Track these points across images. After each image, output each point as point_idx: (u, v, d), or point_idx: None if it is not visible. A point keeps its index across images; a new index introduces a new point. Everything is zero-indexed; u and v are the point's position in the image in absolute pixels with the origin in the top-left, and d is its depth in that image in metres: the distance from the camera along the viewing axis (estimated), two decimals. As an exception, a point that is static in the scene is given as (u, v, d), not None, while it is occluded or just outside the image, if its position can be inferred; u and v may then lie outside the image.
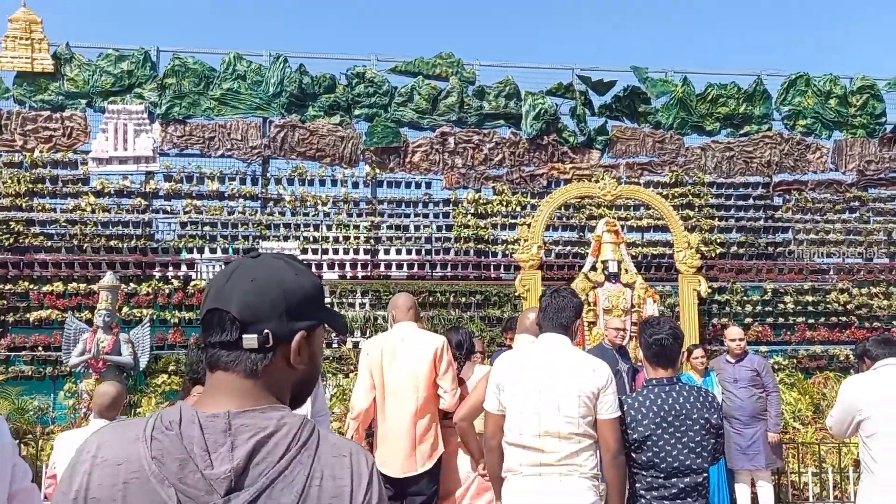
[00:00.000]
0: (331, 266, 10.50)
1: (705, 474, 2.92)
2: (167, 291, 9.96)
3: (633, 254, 11.19)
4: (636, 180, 11.43)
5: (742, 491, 6.76)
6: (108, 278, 8.81)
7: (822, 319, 10.86)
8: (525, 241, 9.50)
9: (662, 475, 2.88)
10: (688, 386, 3.02)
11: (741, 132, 11.73)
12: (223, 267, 10.32)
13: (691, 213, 11.42)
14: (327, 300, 9.94)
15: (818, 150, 11.85)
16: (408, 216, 11.08)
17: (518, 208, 11.18)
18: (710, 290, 10.01)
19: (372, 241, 10.83)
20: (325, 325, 1.32)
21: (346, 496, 1.12)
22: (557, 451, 2.82)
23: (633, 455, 2.95)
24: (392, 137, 10.98)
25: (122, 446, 1.10)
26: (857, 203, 11.85)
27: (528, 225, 9.75)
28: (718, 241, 11.38)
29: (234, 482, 1.06)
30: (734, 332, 6.87)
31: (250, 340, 1.17)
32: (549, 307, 3.11)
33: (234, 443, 1.09)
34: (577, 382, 2.86)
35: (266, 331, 1.17)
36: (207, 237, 10.43)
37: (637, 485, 2.96)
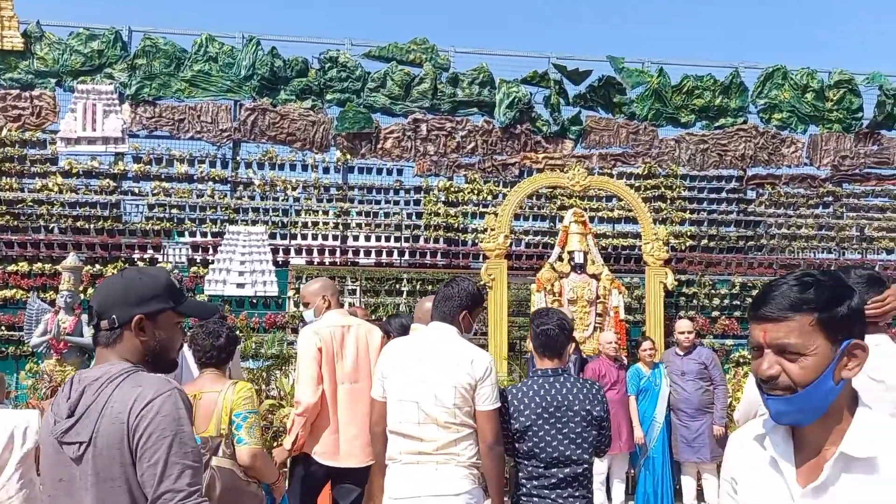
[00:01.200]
0: (298, 251, 10.48)
1: (586, 465, 2.92)
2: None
3: (604, 245, 11.19)
4: (609, 171, 11.40)
5: (688, 483, 6.79)
6: (71, 259, 8.79)
7: (790, 314, 10.83)
8: (492, 229, 9.49)
9: (543, 465, 2.88)
10: (573, 377, 3.02)
11: (716, 125, 11.68)
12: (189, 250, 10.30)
13: (663, 206, 11.40)
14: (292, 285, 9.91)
15: (793, 144, 11.80)
16: (378, 203, 11.05)
17: (489, 197, 11.14)
18: (676, 283, 9.99)
19: (341, 227, 10.81)
20: (176, 311, 1.89)
21: (125, 412, 1.67)
22: (435, 439, 2.81)
23: (516, 445, 2.95)
24: (364, 123, 10.93)
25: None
26: (830, 198, 11.83)
27: (496, 214, 9.73)
28: (689, 233, 11.36)
29: (72, 410, 1.72)
30: (683, 324, 6.86)
31: (104, 323, 1.80)
32: (438, 296, 3.10)
33: (74, 388, 1.75)
34: (455, 373, 2.85)
35: (112, 316, 1.80)
36: (175, 220, 10.40)
37: (520, 474, 2.96)
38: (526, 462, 2.92)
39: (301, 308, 4.53)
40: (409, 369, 2.91)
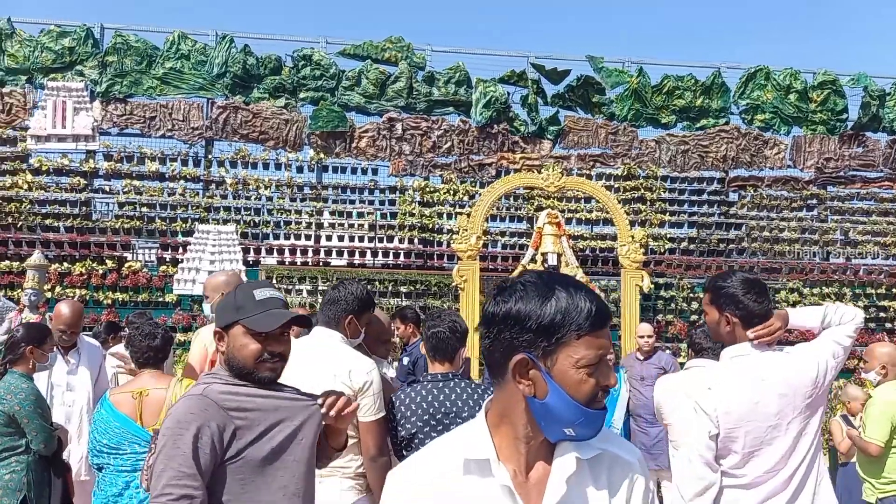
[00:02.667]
0: (269, 251, 10.36)
1: None
2: (101, 272, 9.83)
3: (581, 247, 11.03)
4: (588, 172, 11.24)
5: (648, 490, 6.60)
6: (36, 257, 8.69)
7: (770, 318, 10.63)
8: (464, 230, 9.33)
9: None
10: (464, 383, 2.86)
11: (697, 125, 11.50)
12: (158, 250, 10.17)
13: (642, 207, 11.22)
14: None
15: (776, 145, 11.61)
16: (352, 202, 10.92)
17: (466, 197, 10.99)
18: (651, 286, 9.81)
19: (314, 226, 10.67)
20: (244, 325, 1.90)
21: None
22: None
23: (403, 453, 2.79)
24: (338, 122, 10.79)
25: None
26: (814, 201, 11.63)
27: (468, 214, 9.57)
28: (668, 236, 11.18)
29: None
30: (643, 328, 6.68)
31: None
32: (323, 300, 2.95)
33: None
34: (332, 384, 2.69)
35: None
36: (146, 218, 10.28)
37: None
38: (413, 471, 2.76)
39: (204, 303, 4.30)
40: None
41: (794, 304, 10.71)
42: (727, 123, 11.53)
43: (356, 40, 11.18)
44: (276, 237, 10.54)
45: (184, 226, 10.29)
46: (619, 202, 10.98)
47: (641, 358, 6.61)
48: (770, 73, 11.59)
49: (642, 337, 6.60)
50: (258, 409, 1.91)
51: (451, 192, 11.01)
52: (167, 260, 10.02)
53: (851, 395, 5.46)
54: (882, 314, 10.85)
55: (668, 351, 7.34)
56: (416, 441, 2.74)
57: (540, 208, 11.05)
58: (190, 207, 10.43)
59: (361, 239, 10.73)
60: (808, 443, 2.31)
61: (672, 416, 3.01)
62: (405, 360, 6.28)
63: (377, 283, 10.25)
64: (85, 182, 10.36)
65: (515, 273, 9.34)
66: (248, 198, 10.62)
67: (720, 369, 2.47)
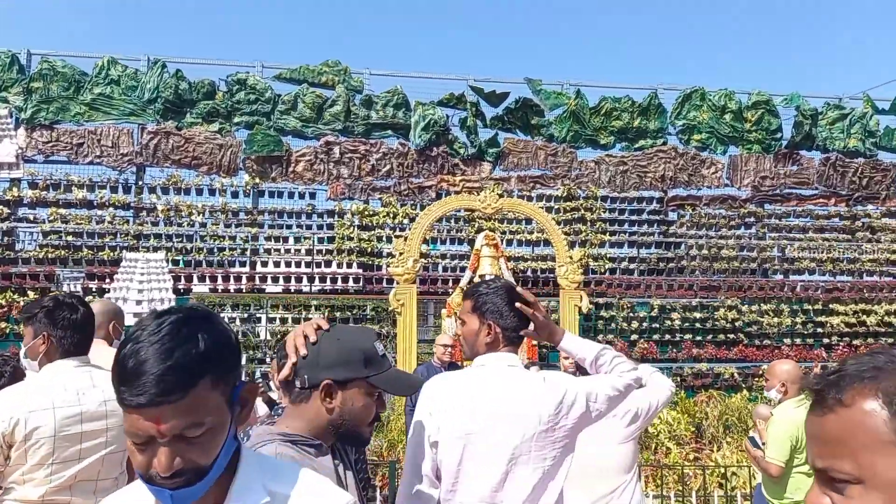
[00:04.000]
0: (202, 279, 10.08)
1: None
2: (22, 304, 9.44)
3: (522, 268, 10.97)
4: (528, 193, 11.23)
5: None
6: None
7: (710, 337, 10.67)
8: (400, 253, 9.21)
9: None
10: None
11: (636, 146, 11.59)
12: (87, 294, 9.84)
13: (583, 228, 11.22)
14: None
15: (713, 164, 11.75)
16: (289, 227, 10.73)
17: (406, 220, 10.87)
18: (591, 306, 9.77)
19: (249, 252, 10.45)
20: (371, 383, 1.63)
21: None
22: None
23: None
24: (273, 146, 10.64)
25: None
26: (752, 219, 11.76)
27: (405, 238, 9.45)
28: (609, 256, 11.18)
29: None
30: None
31: (297, 381, 1.61)
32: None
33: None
34: None
35: (304, 375, 1.60)
36: (72, 247, 9.96)
37: None
38: None
39: None
40: None
41: (732, 322, 10.76)
42: (665, 144, 11.65)
43: (292, 64, 11.10)
44: (210, 264, 10.28)
45: (112, 254, 9.99)
46: (560, 223, 11.00)
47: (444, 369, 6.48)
48: (705, 93, 11.76)
49: (567, 358, 6.49)
50: None
51: (391, 215, 10.89)
52: (93, 290, 9.68)
53: (760, 415, 5.40)
54: (819, 329, 10.94)
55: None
56: None
57: (481, 230, 11.00)
58: (119, 235, 10.14)
59: (298, 264, 10.52)
60: (538, 479, 1.95)
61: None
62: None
63: (313, 308, 10.04)
64: (8, 211, 10.01)
65: (452, 296, 9.24)
66: (180, 224, 10.37)
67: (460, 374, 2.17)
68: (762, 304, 10.95)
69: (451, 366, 6.67)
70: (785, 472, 4.13)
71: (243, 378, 3.03)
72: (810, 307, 11.04)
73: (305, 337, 1.61)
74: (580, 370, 5.84)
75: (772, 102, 11.88)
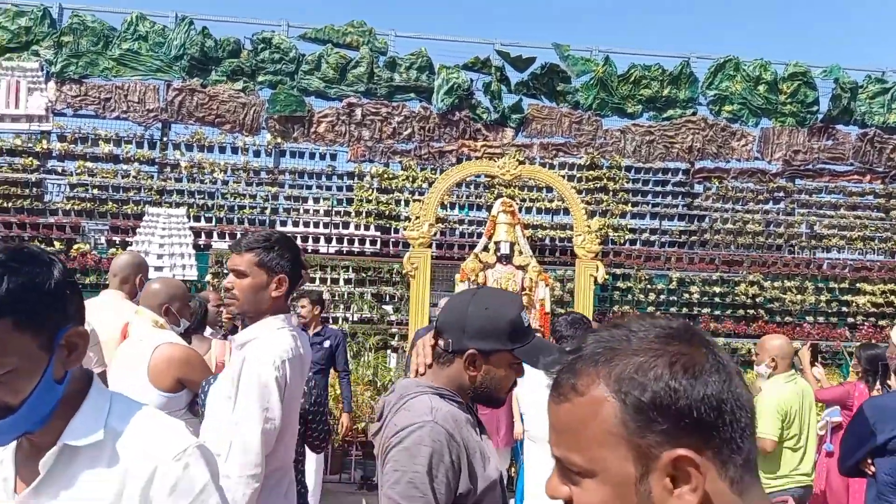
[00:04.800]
0: (221, 235, 10.23)
1: (299, 458, 2.68)
2: (50, 254, 9.73)
3: (541, 236, 10.90)
4: (550, 161, 11.08)
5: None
6: (-20, 237, 8.62)
7: (729, 312, 10.48)
8: (416, 217, 9.21)
9: None
10: None
11: (664, 116, 11.31)
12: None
13: (605, 198, 11.06)
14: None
15: (744, 137, 11.41)
16: (309, 188, 10.79)
17: (425, 185, 10.83)
18: (606, 277, 9.67)
19: (269, 211, 10.56)
20: (513, 354, 1.66)
21: (387, 437, 1.61)
22: None
23: None
24: (296, 106, 10.66)
25: None
26: (781, 194, 11.43)
27: (422, 201, 9.45)
28: (630, 227, 11.01)
29: (380, 415, 1.72)
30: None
31: (441, 341, 1.69)
32: None
33: (391, 394, 1.74)
34: None
35: (449, 339, 1.66)
36: (97, 200, 10.19)
37: None
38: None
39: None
40: None
41: (753, 298, 10.56)
42: (694, 114, 11.34)
43: (318, 24, 11.06)
44: (230, 221, 10.43)
45: (136, 209, 10.20)
46: (582, 192, 10.86)
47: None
48: (740, 63, 11.38)
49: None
50: (468, 443, 1.62)
51: (411, 179, 10.87)
52: (117, 243, 9.92)
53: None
54: (844, 308, 10.66)
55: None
56: None
57: (500, 196, 10.92)
58: (143, 190, 10.34)
59: (317, 225, 10.60)
60: None
61: None
62: (326, 344, 6.14)
63: (329, 269, 10.14)
64: (38, 163, 10.27)
65: (466, 262, 9.21)
66: (202, 181, 10.52)
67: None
68: (786, 281, 10.69)
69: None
70: (777, 448, 4.07)
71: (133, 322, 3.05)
72: (836, 286, 10.75)
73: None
74: None
75: (809, 74, 11.44)
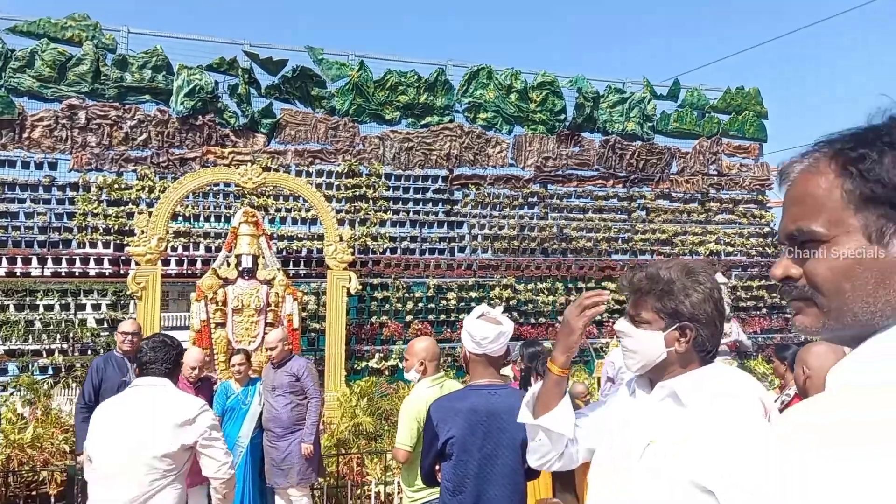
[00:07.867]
0: None
1: None
2: None
3: (297, 247, 10.38)
4: (306, 168, 10.63)
5: (285, 511, 5.99)
6: None
7: (486, 316, 10.61)
8: (142, 232, 8.31)
9: None
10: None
11: (422, 123, 11.30)
12: None
13: (364, 206, 10.79)
14: None
15: (498, 144, 11.71)
16: (22, 201, 9.43)
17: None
18: (360, 287, 9.36)
19: (-32, 230, 9.08)
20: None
21: None
22: None
23: None
24: (4, 108, 9.27)
25: None
26: (534, 199, 11.86)
27: (149, 213, 8.55)
28: (389, 235, 10.84)
29: None
30: (271, 335, 6.06)
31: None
32: None
33: None
34: None
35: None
36: None
37: None
38: None
39: None
40: None
41: (508, 301, 10.80)
42: (451, 121, 11.44)
43: (30, 17, 9.72)
44: (-84, 243, 8.81)
45: None
46: (341, 200, 10.51)
47: (274, 365, 6.00)
48: (492, 72, 11.68)
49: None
50: None
51: (147, 189, 9.88)
52: None
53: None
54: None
55: (303, 357, 6.78)
56: None
57: (252, 206, 10.27)
58: None
59: (30, 244, 9.27)
60: None
61: None
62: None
63: (39, 294, 8.88)
64: None
65: (203, 279, 8.44)
66: None
67: None
68: (538, 283, 11.07)
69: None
70: (414, 457, 3.85)
71: None
72: (584, 285, 11.32)
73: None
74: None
75: (557, 84, 12.01)
